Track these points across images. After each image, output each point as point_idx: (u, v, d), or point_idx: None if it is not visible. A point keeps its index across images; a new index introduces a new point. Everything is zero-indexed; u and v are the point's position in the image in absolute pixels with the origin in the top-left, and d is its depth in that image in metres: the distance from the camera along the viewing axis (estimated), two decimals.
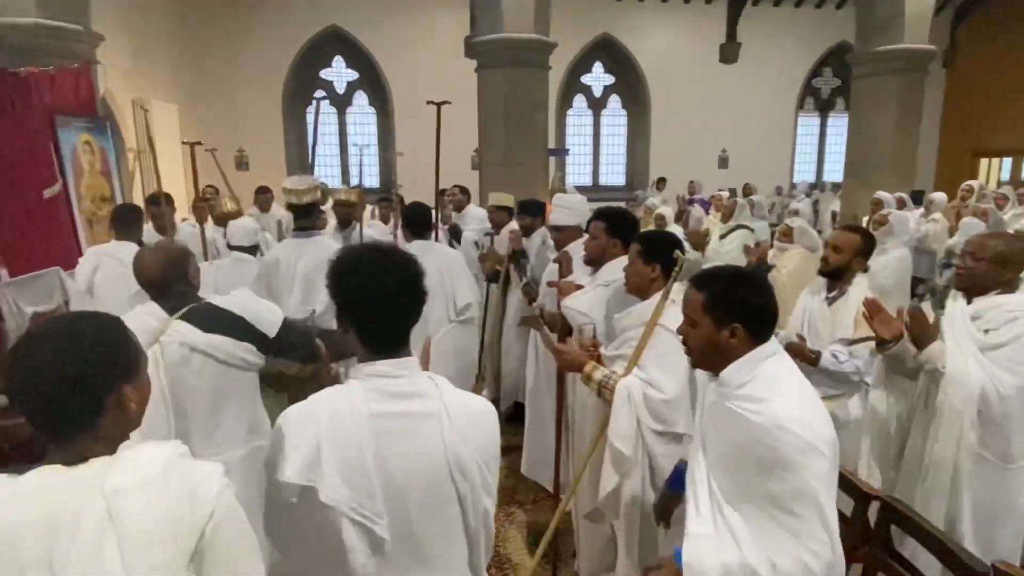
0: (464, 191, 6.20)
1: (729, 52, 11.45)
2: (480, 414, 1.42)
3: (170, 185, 8.52)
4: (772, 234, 5.70)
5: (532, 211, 4.50)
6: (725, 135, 13.37)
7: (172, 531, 1.05)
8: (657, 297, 2.24)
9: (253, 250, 3.97)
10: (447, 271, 3.72)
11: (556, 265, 3.51)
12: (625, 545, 2.31)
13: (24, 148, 4.79)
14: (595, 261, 2.93)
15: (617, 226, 2.86)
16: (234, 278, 3.70)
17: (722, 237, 6.20)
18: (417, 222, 3.86)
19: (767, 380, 1.53)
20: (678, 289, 2.16)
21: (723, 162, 13.66)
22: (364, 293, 1.33)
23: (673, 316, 2.13)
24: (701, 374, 1.94)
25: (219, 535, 1.10)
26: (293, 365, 2.24)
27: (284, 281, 3.46)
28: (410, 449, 1.32)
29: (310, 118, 11.89)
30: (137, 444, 1.14)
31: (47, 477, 1.05)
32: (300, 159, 11.88)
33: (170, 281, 2.08)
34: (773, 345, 1.61)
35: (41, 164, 4.89)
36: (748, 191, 9.97)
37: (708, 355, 1.64)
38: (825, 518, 1.43)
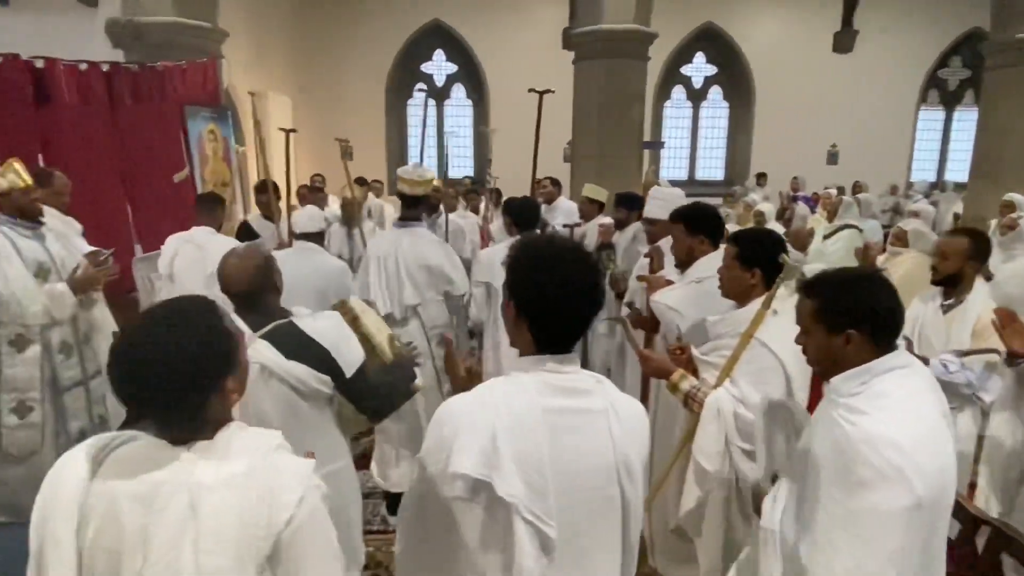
0: (555, 183, 6.19)
1: (844, 40, 10.77)
2: (639, 415, 1.36)
3: (280, 173, 9.09)
4: (885, 236, 5.33)
5: (629, 204, 4.40)
6: (835, 129, 12.59)
7: (245, 535, 1.04)
8: (755, 305, 2.09)
9: (320, 238, 3.76)
10: None
11: (647, 260, 3.45)
12: (706, 566, 2.23)
13: (158, 136, 5.27)
14: (684, 263, 2.83)
15: (696, 222, 2.72)
16: (300, 269, 3.41)
17: (826, 237, 5.86)
18: (526, 218, 3.75)
19: (877, 396, 1.43)
20: (783, 296, 2.02)
21: (832, 158, 12.87)
22: (549, 290, 1.25)
23: (774, 329, 2.02)
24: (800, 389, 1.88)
25: (296, 543, 1.07)
26: (350, 409, 2.09)
27: (390, 271, 3.42)
28: (582, 447, 1.25)
29: (412, 111, 12.30)
30: (237, 431, 1.14)
31: (153, 452, 1.08)
32: (399, 150, 12.31)
33: (258, 293, 1.96)
34: (899, 358, 1.49)
35: (172, 151, 5.37)
36: (858, 189, 9.36)
37: (827, 365, 1.55)
38: (888, 555, 1.33)
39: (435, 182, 5.03)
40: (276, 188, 4.87)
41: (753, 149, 12.74)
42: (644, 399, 3.00)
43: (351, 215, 4.86)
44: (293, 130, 5.13)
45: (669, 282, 2.90)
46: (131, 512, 1.04)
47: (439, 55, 12.28)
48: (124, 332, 1.12)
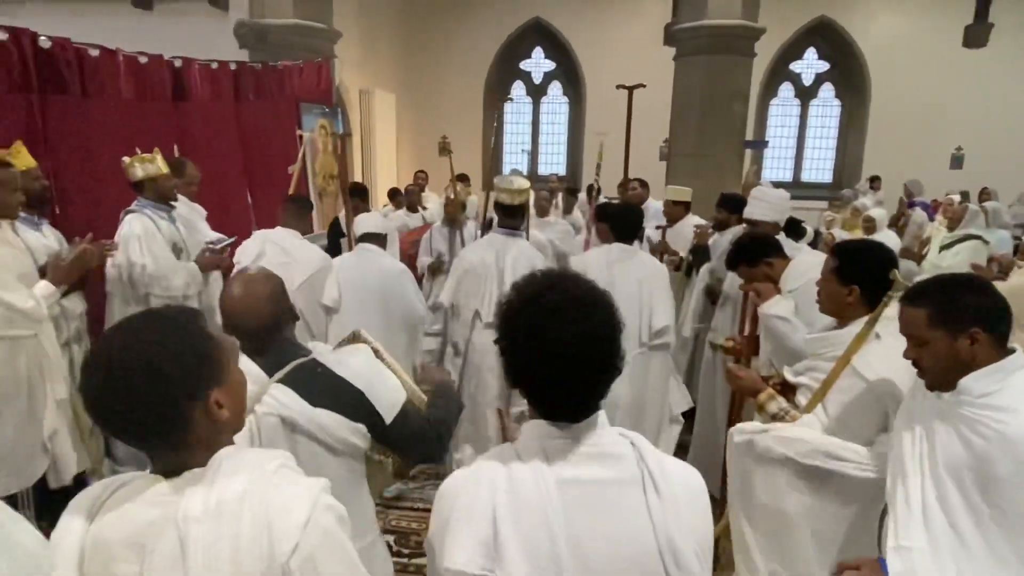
0: (644, 184, 5.83)
1: (977, 34, 9.87)
2: (690, 483, 1.08)
3: (384, 166, 9.51)
4: (1015, 249, 4.88)
5: (730, 206, 4.14)
6: (961, 131, 11.58)
7: (244, 570, 0.92)
8: (856, 327, 1.93)
9: (381, 240, 3.62)
10: (648, 284, 3.20)
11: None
12: None
13: (275, 130, 5.68)
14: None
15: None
16: (361, 272, 3.50)
17: (945, 247, 5.42)
18: (624, 226, 3.38)
19: (1019, 390, 1.40)
20: (889, 317, 1.80)
21: (956, 161, 11.86)
22: (536, 355, 1.01)
23: (874, 357, 1.86)
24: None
25: (308, 573, 0.94)
26: (388, 457, 1.83)
27: (487, 278, 3.27)
28: (610, 530, 1.00)
29: (509, 107, 12.48)
30: (232, 452, 1.02)
31: (144, 490, 0.98)
32: (495, 147, 12.52)
33: (272, 329, 1.60)
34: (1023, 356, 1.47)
35: (288, 144, 5.76)
36: (985, 196, 8.57)
37: (950, 372, 1.49)
38: None
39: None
40: (365, 191, 4.91)
41: (866, 150, 11.96)
42: (732, 404, 2.93)
43: (454, 214, 4.84)
44: (348, 133, 5.34)
45: (778, 290, 2.71)
46: (125, 560, 0.94)
47: (538, 52, 12.37)
48: (90, 351, 1.01)
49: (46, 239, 3.04)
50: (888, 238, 5.88)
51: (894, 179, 10.01)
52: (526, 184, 3.42)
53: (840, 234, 5.84)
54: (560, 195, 6.95)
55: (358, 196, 5.14)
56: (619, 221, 3.37)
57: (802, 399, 2.06)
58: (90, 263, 2.89)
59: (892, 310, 1.82)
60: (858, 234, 6.28)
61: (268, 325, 1.58)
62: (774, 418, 2.06)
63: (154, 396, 0.93)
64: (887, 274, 1.87)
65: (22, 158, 2.95)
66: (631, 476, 1.03)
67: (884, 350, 1.83)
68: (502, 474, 1.02)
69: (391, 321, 3.52)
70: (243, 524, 0.93)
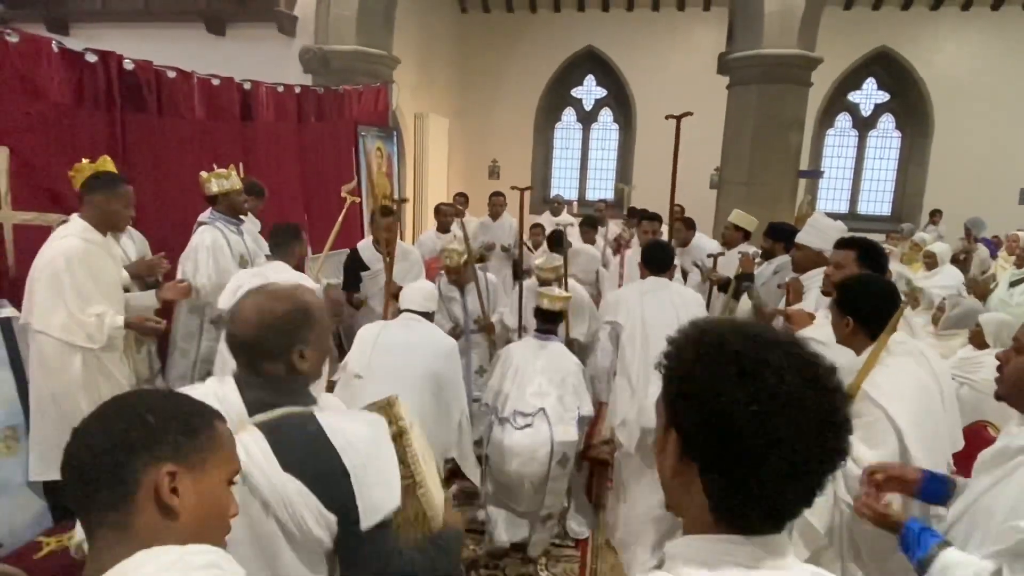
0: (690, 225, 5.37)
1: None
2: None
3: (435, 189, 9.71)
4: None
5: (776, 235, 4.15)
6: None
7: None
8: (864, 355, 1.98)
9: (429, 316, 3.15)
10: (684, 312, 3.11)
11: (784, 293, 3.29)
12: None
13: (333, 151, 5.90)
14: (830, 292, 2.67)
15: (867, 253, 2.55)
16: (409, 342, 2.92)
17: (1013, 285, 5.20)
18: (656, 258, 3.42)
19: None
20: (897, 342, 1.91)
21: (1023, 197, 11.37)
22: (766, 426, 0.70)
23: (883, 380, 1.93)
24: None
25: None
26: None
27: (512, 374, 3.21)
28: None
29: (559, 134, 12.61)
30: (161, 547, 0.80)
31: None
32: (544, 172, 12.65)
33: (269, 352, 1.28)
34: None
35: (344, 165, 5.97)
36: None
37: None
38: None
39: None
40: (393, 212, 4.35)
41: (928, 183, 11.58)
42: None
43: (459, 281, 4.15)
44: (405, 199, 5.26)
45: (812, 317, 2.73)
46: None
47: (590, 80, 12.50)
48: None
49: (122, 250, 3.25)
50: (950, 274, 5.67)
51: (957, 214, 9.63)
52: (567, 294, 3.51)
53: (897, 268, 5.66)
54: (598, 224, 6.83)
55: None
56: (651, 255, 3.46)
57: None
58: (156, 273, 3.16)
59: (899, 335, 1.91)
60: (917, 268, 6.08)
61: (265, 345, 1.27)
62: None
63: (114, 434, 0.82)
64: (882, 308, 1.95)
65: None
66: None
67: (892, 373, 1.92)
68: None
69: (440, 408, 2.92)
70: None
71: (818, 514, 1.97)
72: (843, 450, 0.75)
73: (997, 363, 1.57)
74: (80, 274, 2.70)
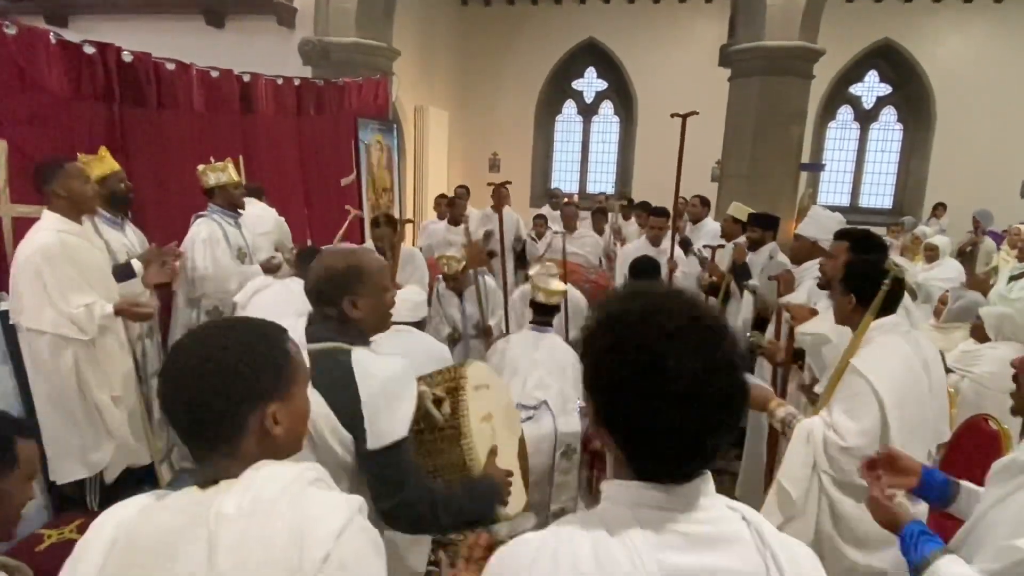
0: (705, 203, 6.01)
1: None
2: (812, 564, 0.88)
3: (435, 181, 9.68)
4: None
5: (763, 224, 4.28)
6: None
7: (272, 573, 0.86)
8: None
9: (419, 326, 2.99)
10: None
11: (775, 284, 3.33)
12: None
13: (332, 144, 5.87)
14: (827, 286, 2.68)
15: (861, 243, 2.53)
16: (405, 349, 2.47)
17: (1013, 279, 5.19)
18: (642, 270, 3.72)
19: None
20: (899, 320, 2.01)
21: None
22: (651, 385, 0.78)
23: (870, 355, 2.00)
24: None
25: None
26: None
27: (512, 367, 3.23)
28: None
29: (560, 126, 12.57)
30: (267, 463, 0.97)
31: (179, 500, 0.95)
32: (544, 165, 12.62)
33: (325, 300, 1.57)
34: None
35: (344, 157, 5.95)
36: None
37: None
38: None
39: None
40: (395, 222, 4.34)
41: (929, 176, 11.55)
42: (772, 441, 2.89)
43: (458, 287, 4.17)
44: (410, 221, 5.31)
45: (814, 312, 2.78)
46: (155, 568, 0.89)
47: (590, 72, 12.44)
48: (176, 342, 1.03)
49: (126, 239, 3.24)
50: (950, 267, 5.66)
51: (960, 207, 9.63)
52: (563, 287, 3.56)
53: (898, 260, 5.65)
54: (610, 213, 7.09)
55: (377, 226, 4.27)
56: (637, 269, 3.75)
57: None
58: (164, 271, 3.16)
59: (889, 319, 2.03)
60: (918, 261, 6.07)
61: (321, 295, 1.56)
62: (783, 423, 2.18)
63: (217, 390, 0.94)
64: (881, 285, 2.02)
65: (107, 163, 3.16)
66: (753, 569, 0.80)
67: (878, 349, 2.01)
68: (586, 551, 0.79)
69: None
70: (276, 527, 0.88)
71: (794, 481, 2.03)
72: (741, 404, 0.82)
73: (1001, 360, 1.54)
74: (61, 268, 2.67)
